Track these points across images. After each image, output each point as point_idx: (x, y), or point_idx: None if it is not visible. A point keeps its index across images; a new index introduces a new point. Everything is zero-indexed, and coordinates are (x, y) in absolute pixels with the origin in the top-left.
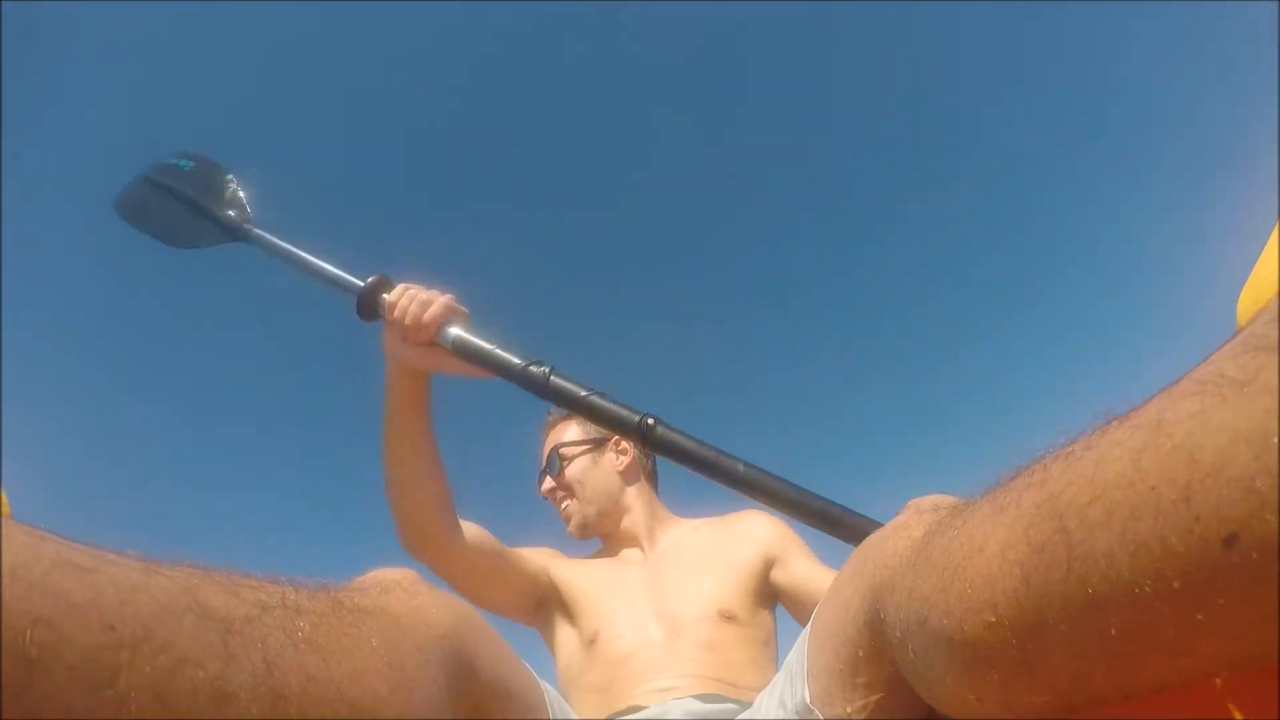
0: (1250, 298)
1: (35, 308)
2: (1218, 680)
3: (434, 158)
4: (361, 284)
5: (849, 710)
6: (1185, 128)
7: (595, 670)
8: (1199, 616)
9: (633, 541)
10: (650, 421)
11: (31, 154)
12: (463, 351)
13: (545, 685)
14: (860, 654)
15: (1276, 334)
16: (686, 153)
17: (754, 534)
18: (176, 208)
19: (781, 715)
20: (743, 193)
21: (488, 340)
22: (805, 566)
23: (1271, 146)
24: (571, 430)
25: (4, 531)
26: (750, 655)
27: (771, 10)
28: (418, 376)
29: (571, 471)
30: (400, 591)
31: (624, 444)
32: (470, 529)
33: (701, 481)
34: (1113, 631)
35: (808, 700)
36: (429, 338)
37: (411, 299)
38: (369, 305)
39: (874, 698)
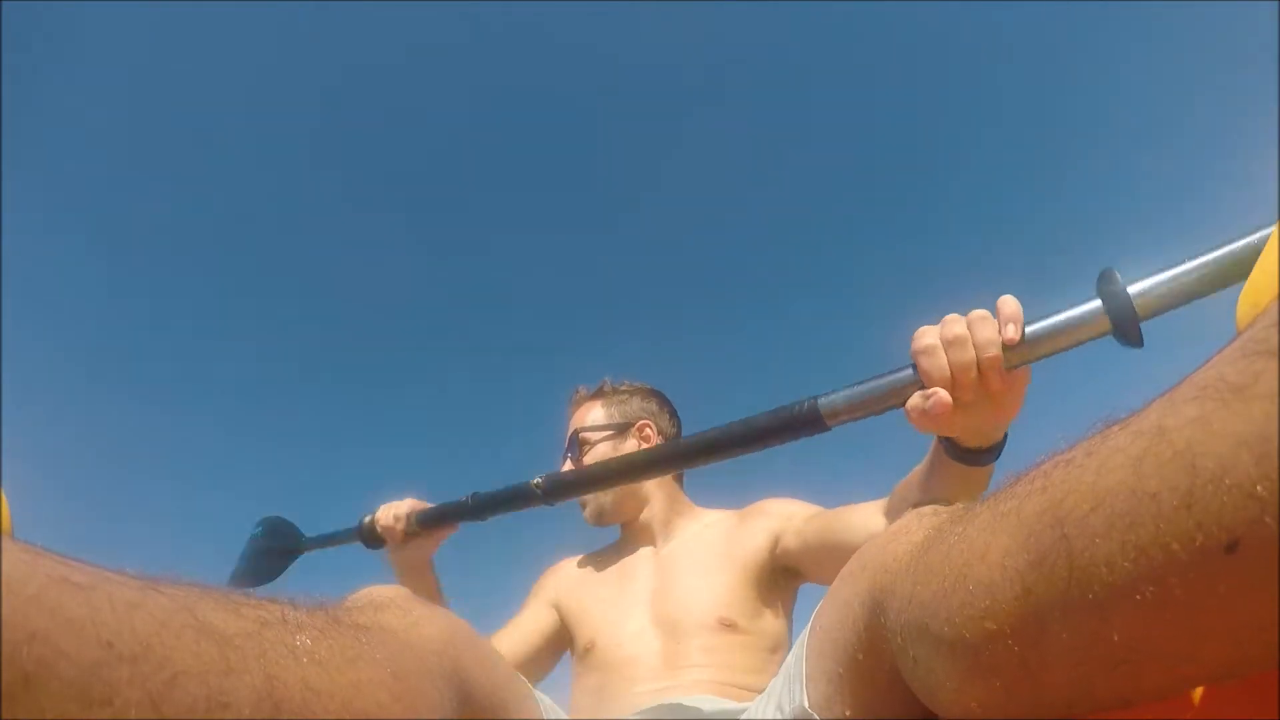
0: (1250, 299)
1: (33, 308)
2: (1219, 685)
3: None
4: (358, 525)
5: (847, 713)
6: (1185, 127)
7: (593, 675)
8: (1201, 623)
9: (648, 534)
10: (538, 483)
11: (30, 154)
12: (426, 523)
13: (539, 693)
14: (860, 658)
15: (1276, 338)
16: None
17: (765, 517)
18: (263, 562)
19: (779, 718)
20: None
21: (436, 506)
22: (807, 518)
23: (1271, 146)
24: (595, 413)
25: (0, 548)
26: (752, 661)
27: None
28: (419, 570)
29: (591, 458)
30: (394, 608)
31: (648, 430)
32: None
33: (733, 476)
34: (1115, 638)
35: (806, 704)
36: (404, 529)
37: (387, 512)
38: (370, 537)
39: (872, 701)
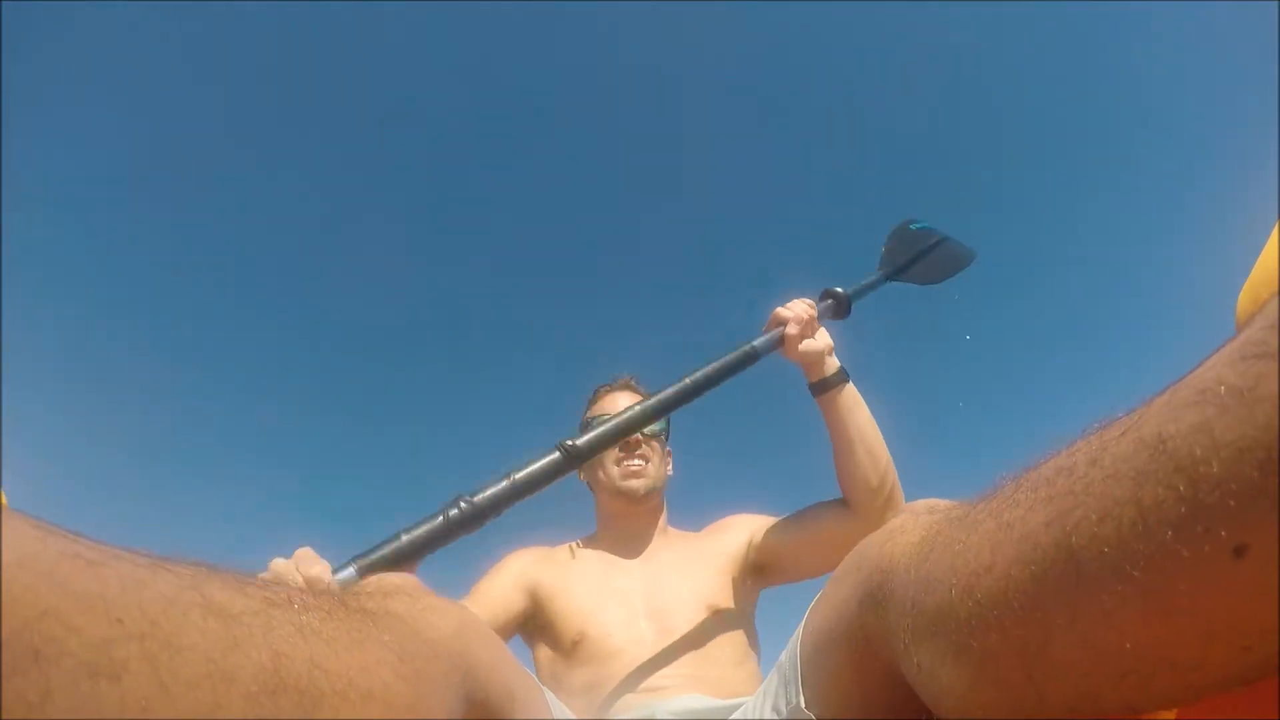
0: (1249, 297)
1: (35, 306)
2: (1227, 692)
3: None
4: None
5: (844, 713)
6: (1185, 127)
7: (582, 670)
8: (1210, 629)
9: (633, 536)
10: (569, 442)
11: (30, 153)
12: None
13: (548, 692)
14: (856, 657)
15: (1276, 340)
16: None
17: (735, 528)
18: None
19: (775, 718)
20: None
21: (384, 545)
22: (777, 520)
23: (1271, 146)
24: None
25: (11, 524)
26: (736, 654)
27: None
28: None
29: (645, 446)
30: (403, 595)
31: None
32: None
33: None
34: (1126, 646)
35: (802, 704)
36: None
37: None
38: None
39: (869, 700)
